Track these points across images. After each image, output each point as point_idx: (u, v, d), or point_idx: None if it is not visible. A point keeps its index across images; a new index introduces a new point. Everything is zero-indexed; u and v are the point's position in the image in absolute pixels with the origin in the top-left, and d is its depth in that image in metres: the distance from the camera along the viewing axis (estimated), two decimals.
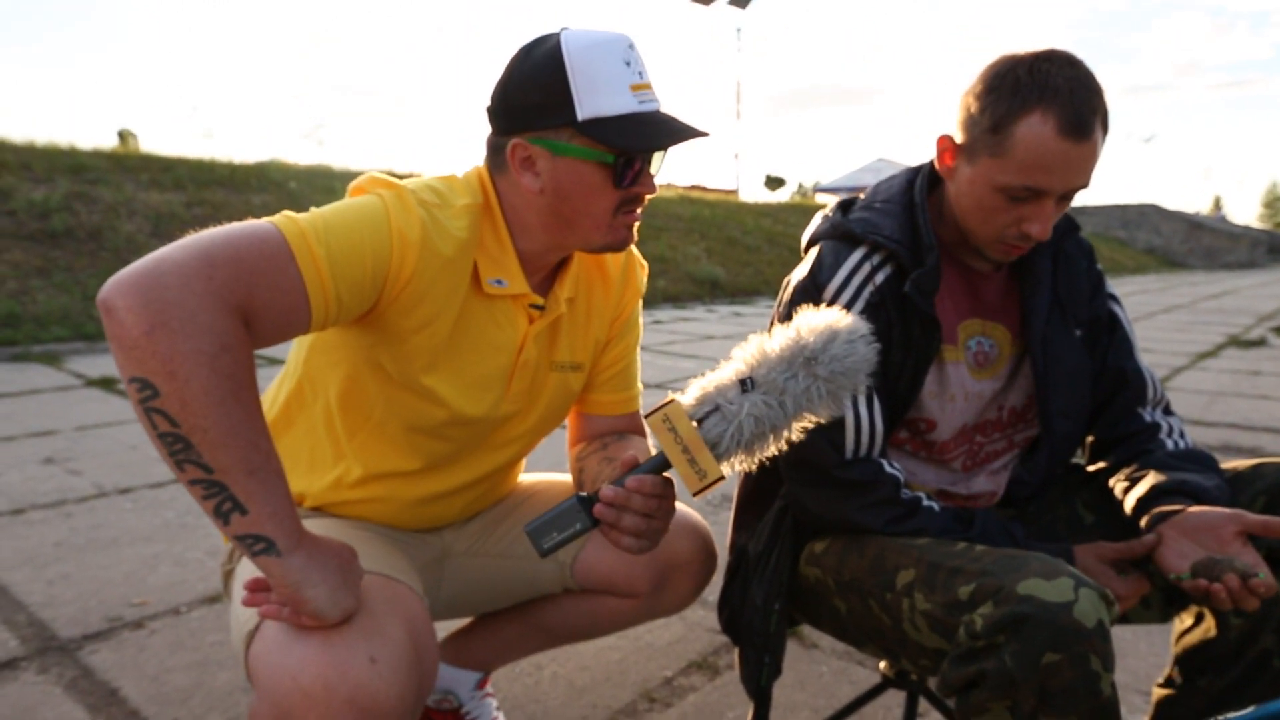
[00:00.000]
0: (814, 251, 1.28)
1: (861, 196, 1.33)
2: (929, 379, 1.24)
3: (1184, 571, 1.04)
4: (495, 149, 1.12)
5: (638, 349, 1.38)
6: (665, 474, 0.97)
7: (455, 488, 1.27)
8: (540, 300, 1.19)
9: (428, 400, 1.13)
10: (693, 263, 12.34)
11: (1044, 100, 1.05)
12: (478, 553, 1.36)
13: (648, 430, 0.97)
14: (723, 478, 0.89)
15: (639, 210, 1.13)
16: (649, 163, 1.10)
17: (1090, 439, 1.34)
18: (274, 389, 1.27)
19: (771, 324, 1.35)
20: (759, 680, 1.26)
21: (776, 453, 0.93)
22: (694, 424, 0.91)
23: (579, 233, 1.12)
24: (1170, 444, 1.23)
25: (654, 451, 0.98)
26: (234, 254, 0.87)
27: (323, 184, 10.37)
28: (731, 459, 0.91)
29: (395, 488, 1.23)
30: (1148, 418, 1.27)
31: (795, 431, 0.91)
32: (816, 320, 0.91)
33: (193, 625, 2.03)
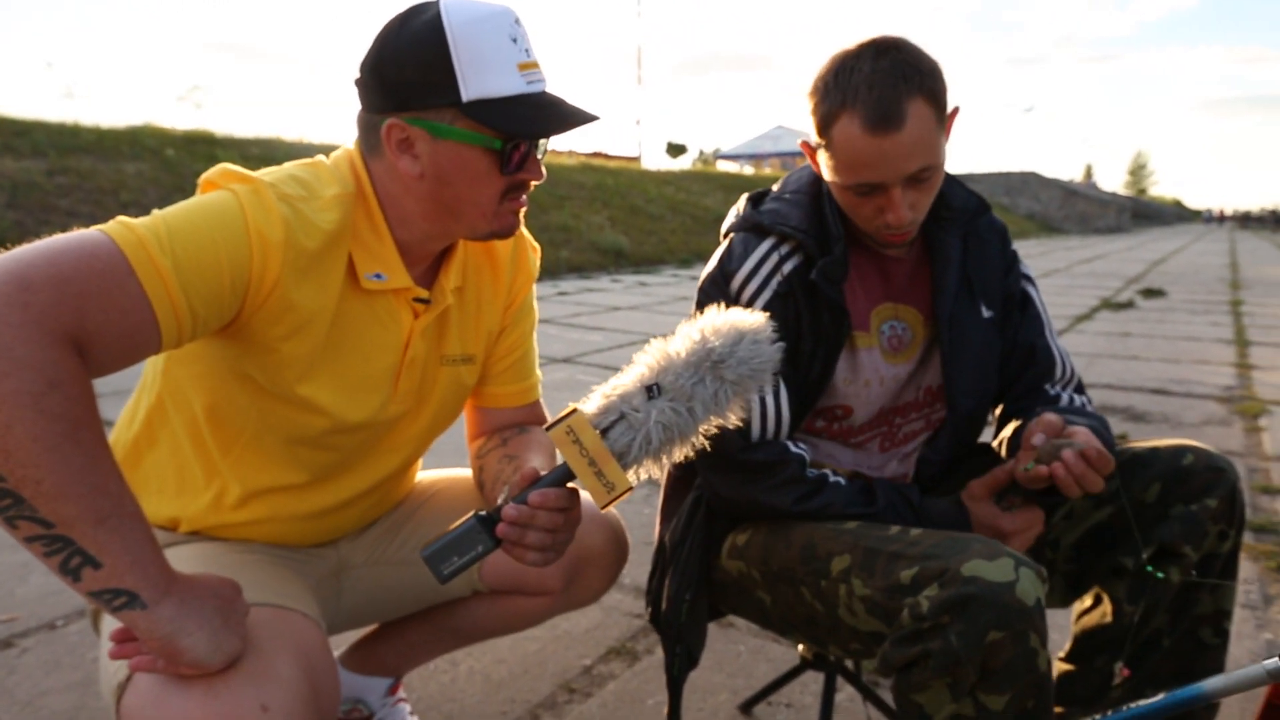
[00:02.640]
0: (725, 244, 1.28)
1: (775, 188, 1.32)
2: (841, 366, 1.25)
3: (1028, 463, 1.08)
4: (368, 128, 1.03)
5: (534, 336, 1.33)
6: (570, 485, 0.93)
7: (347, 499, 1.19)
8: (424, 293, 1.12)
9: (306, 410, 1.05)
10: (596, 232, 12.25)
11: (846, 101, 1.08)
12: (378, 561, 1.29)
13: (551, 441, 0.92)
14: (631, 488, 0.87)
15: (525, 196, 1.08)
16: (536, 147, 1.05)
17: (998, 412, 1.37)
18: (133, 403, 1.15)
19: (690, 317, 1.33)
20: (671, 670, 1.26)
21: (683, 459, 0.91)
22: (599, 434, 0.87)
23: (463, 220, 1.06)
24: (1065, 403, 1.27)
25: (558, 456, 0.94)
26: (56, 273, 0.76)
27: (203, 151, 9.75)
28: (639, 468, 0.89)
29: (280, 505, 1.14)
30: (1052, 392, 1.31)
31: (702, 436, 0.89)
32: (720, 321, 0.89)
33: (70, 641, 1.87)
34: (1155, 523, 1.19)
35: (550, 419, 0.91)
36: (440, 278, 1.14)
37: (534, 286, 1.30)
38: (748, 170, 32.43)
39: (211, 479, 1.11)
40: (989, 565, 0.93)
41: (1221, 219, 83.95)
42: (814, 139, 1.17)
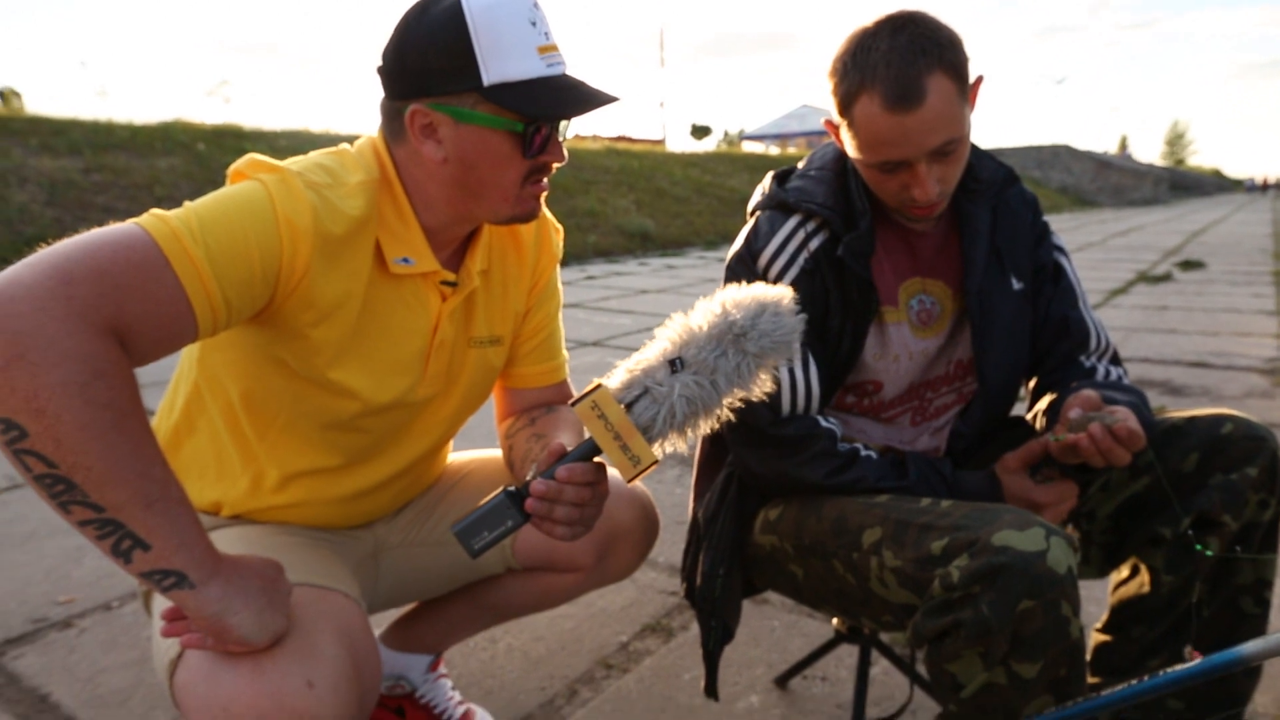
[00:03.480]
0: (752, 221, 1.29)
1: (800, 165, 1.32)
2: (871, 341, 1.25)
3: (1061, 434, 1.08)
4: (391, 115, 1.05)
5: (559, 316, 1.34)
6: (596, 459, 0.94)
7: (381, 480, 1.21)
8: (452, 276, 1.13)
9: (338, 394, 1.07)
10: (622, 215, 12.25)
11: (865, 80, 1.08)
12: (413, 543, 1.32)
13: (577, 418, 0.94)
14: (657, 462, 0.88)
15: (546, 180, 1.09)
16: (557, 130, 1.06)
17: (1032, 384, 1.37)
18: (171, 391, 1.19)
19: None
20: (707, 644, 1.27)
21: (709, 431, 0.92)
22: (623, 409, 0.88)
23: (486, 204, 1.07)
24: (1100, 378, 1.26)
25: (584, 433, 0.95)
26: (95, 266, 0.78)
27: (232, 145, 9.88)
28: (664, 441, 0.90)
29: (317, 488, 1.16)
30: (1087, 364, 1.30)
31: (726, 409, 0.90)
32: (741, 294, 0.90)
33: (125, 621, 1.94)
34: (1194, 492, 1.18)
35: (577, 395, 0.92)
36: (466, 261, 1.15)
37: (558, 267, 1.32)
38: (773, 150, 32.14)
39: (249, 463, 1.14)
40: (1020, 535, 0.93)
41: (1265, 187, 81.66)
42: (836, 118, 1.17)
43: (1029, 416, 1.36)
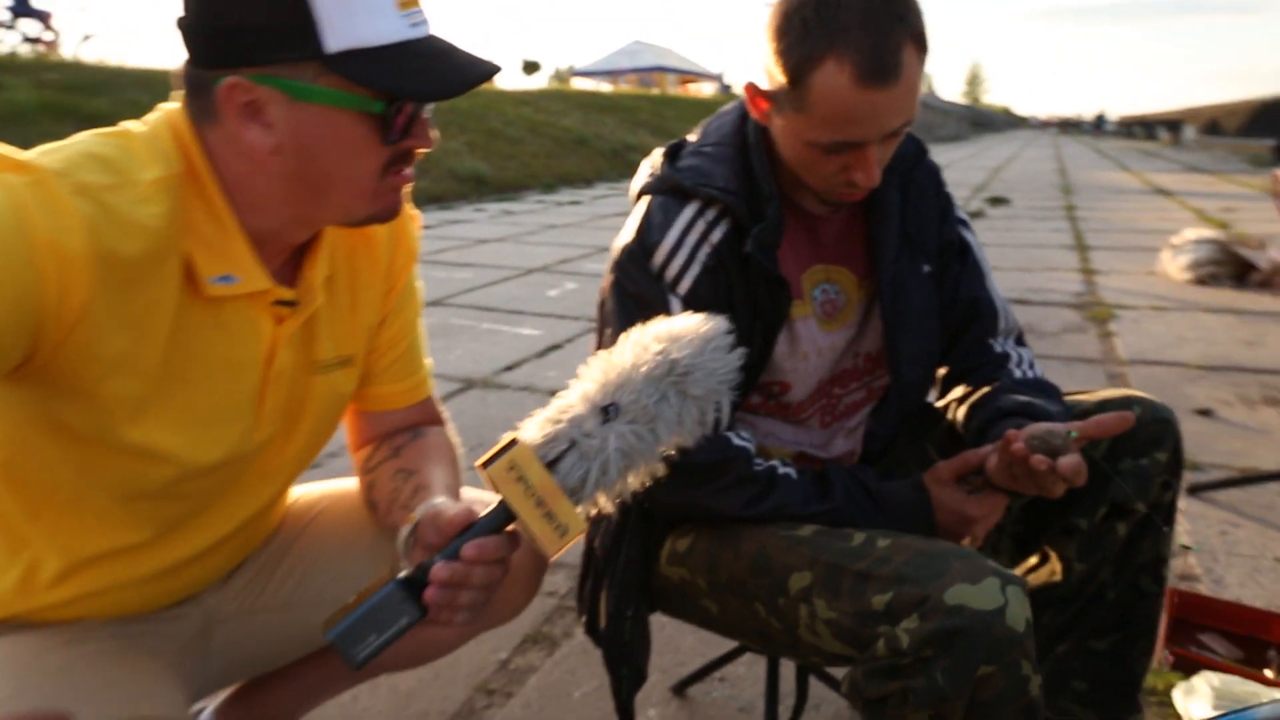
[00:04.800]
0: (640, 207, 1.11)
1: (691, 138, 1.15)
2: (779, 340, 1.12)
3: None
4: (199, 88, 0.78)
5: (420, 322, 1.12)
6: (509, 527, 0.77)
7: (206, 547, 0.97)
8: (288, 293, 0.89)
9: (142, 458, 0.82)
10: (454, 159, 11.64)
11: (835, 45, 0.92)
12: (254, 610, 1.07)
13: (488, 482, 0.76)
14: (584, 530, 0.74)
15: (410, 170, 0.87)
16: (424, 108, 0.84)
17: (942, 371, 1.29)
18: None
19: (604, 291, 1.16)
20: (620, 694, 1.13)
21: (640, 488, 0.77)
22: (546, 467, 0.72)
23: (334, 202, 0.84)
24: (1018, 373, 1.20)
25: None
26: None
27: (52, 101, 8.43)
28: (592, 504, 0.75)
29: (117, 571, 0.91)
30: (998, 348, 1.24)
31: (659, 461, 0.76)
32: (676, 328, 0.76)
33: None
34: (1106, 480, 1.15)
35: (486, 453, 0.74)
36: (305, 272, 0.91)
37: (415, 265, 1.09)
38: (605, 87, 31.67)
39: (18, 551, 0.86)
40: (973, 590, 0.84)
41: (1046, 125, 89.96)
42: (772, 84, 1.00)
43: (939, 404, 1.29)
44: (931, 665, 0.83)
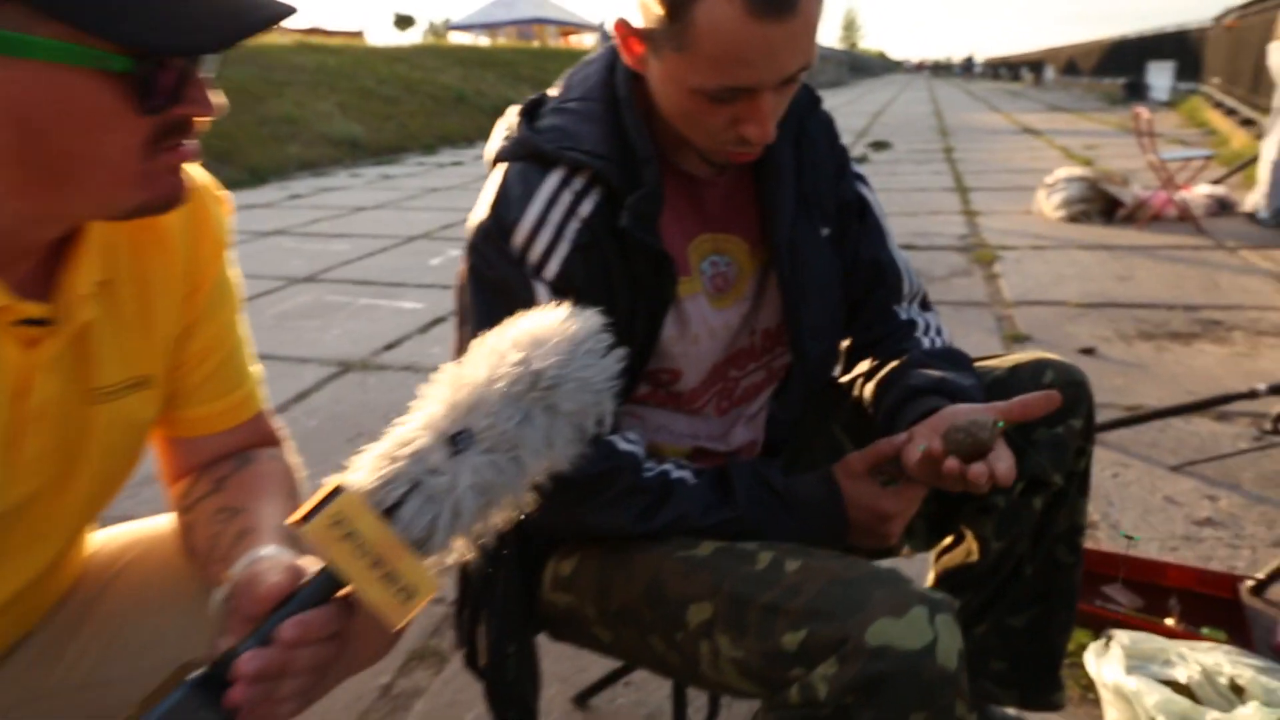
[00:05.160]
0: (496, 177, 0.94)
1: (553, 92, 0.98)
2: (667, 322, 0.98)
3: (922, 445, 0.91)
4: None
5: (238, 323, 0.92)
6: (340, 594, 0.61)
7: None
8: (38, 310, 0.69)
9: None
10: (326, 121, 10.95)
11: None
12: (42, 694, 0.87)
13: (309, 544, 0.59)
14: (436, 590, 0.59)
15: (192, 142, 0.68)
16: (198, 62, 0.64)
17: (846, 343, 1.19)
18: None
19: (460, 277, 0.99)
20: None
21: (505, 525, 0.62)
22: (382, 517, 0.57)
23: (84, 192, 0.64)
24: (926, 342, 1.11)
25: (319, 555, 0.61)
26: None
27: None
28: (446, 553, 0.60)
29: None
30: (903, 315, 1.14)
31: (529, 493, 0.62)
32: (537, 330, 0.61)
33: None
34: (1022, 455, 1.07)
35: (303, 504, 0.57)
36: (64, 279, 0.71)
37: (226, 256, 0.89)
38: (483, 41, 30.51)
39: None
40: (898, 626, 0.72)
41: (919, 68, 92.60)
42: (647, 20, 0.84)
43: (844, 380, 1.18)
44: (854, 715, 0.72)
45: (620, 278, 0.92)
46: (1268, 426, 2.03)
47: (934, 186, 7.02)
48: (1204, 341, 3.11)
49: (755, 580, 0.81)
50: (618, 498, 0.90)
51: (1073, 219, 5.32)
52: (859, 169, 1.14)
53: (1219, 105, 11.01)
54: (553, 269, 0.90)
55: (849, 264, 1.10)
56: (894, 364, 1.06)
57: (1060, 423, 1.07)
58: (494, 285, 0.93)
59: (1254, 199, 5.17)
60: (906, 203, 6.21)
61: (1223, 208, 5.32)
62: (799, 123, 1.03)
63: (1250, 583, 1.61)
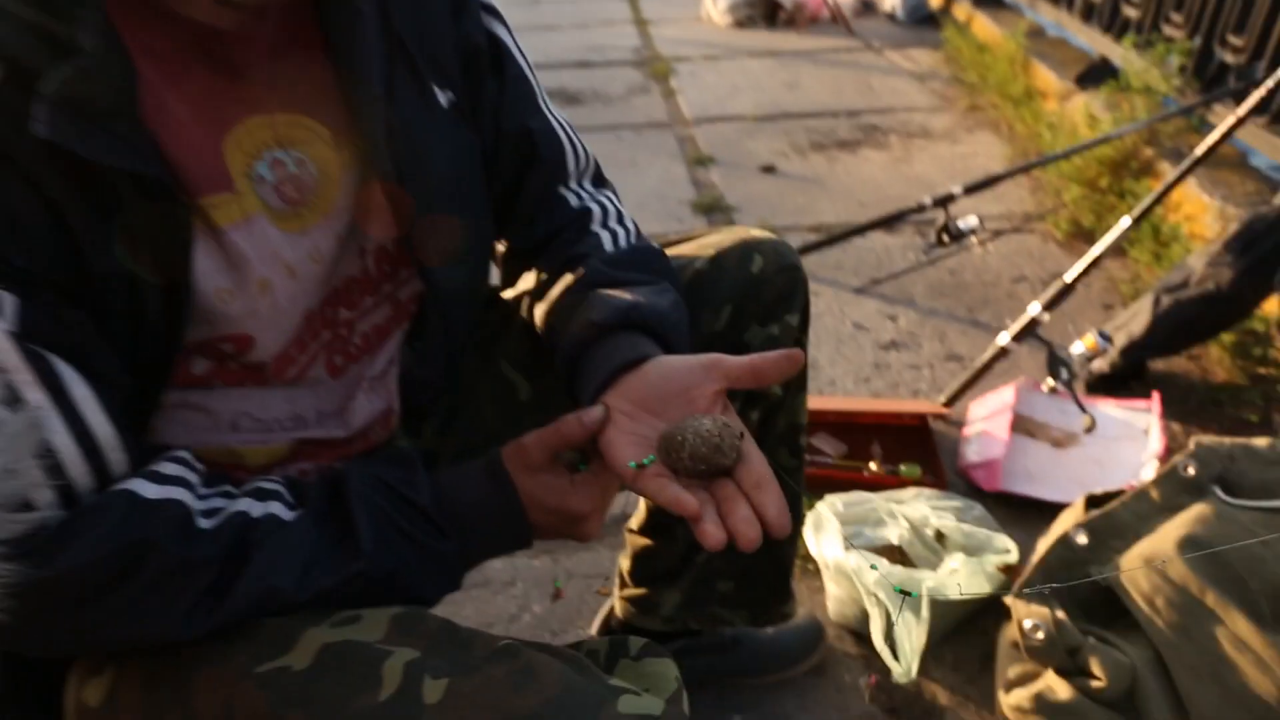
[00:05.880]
0: None
1: None
2: (202, 271, 0.61)
3: (643, 460, 0.67)
4: None
5: None
6: None
7: None
8: None
9: None
10: None
11: None
12: None
13: None
14: None
15: None
16: None
17: (501, 247, 0.88)
18: None
19: None
20: None
21: None
22: None
23: None
24: (608, 240, 0.83)
25: None
26: None
27: None
28: None
29: None
30: (574, 200, 0.85)
31: None
32: None
33: None
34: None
35: None
36: None
37: None
38: None
39: None
40: None
41: None
42: None
43: (509, 296, 0.88)
44: None
45: (84, 222, 0.53)
46: (933, 239, 2.09)
47: None
48: (867, 148, 3.20)
49: (373, 715, 0.52)
50: (153, 585, 0.55)
51: (739, 24, 5.26)
52: None
53: None
54: None
55: (488, 140, 0.77)
56: (568, 280, 0.78)
57: (774, 319, 0.88)
58: None
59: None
60: (576, 14, 5.77)
61: (866, 7, 5.56)
62: None
63: (934, 411, 1.64)
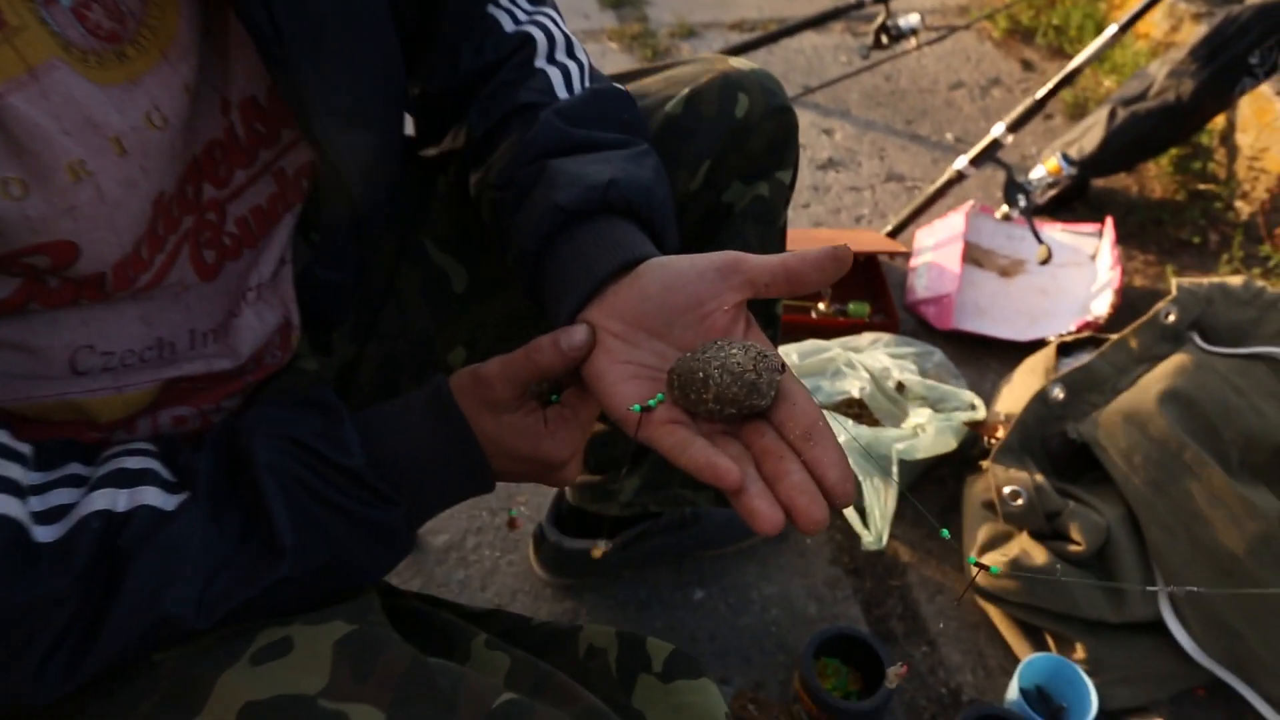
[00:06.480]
0: None
1: None
2: None
3: (649, 401, 0.49)
4: None
5: None
6: None
7: None
8: None
9: None
10: None
11: None
12: None
13: None
14: None
15: None
16: None
17: (417, 91, 0.66)
18: None
19: None
20: None
21: None
22: None
23: None
24: (559, 81, 0.62)
25: None
26: None
27: None
28: None
29: None
30: (508, 23, 0.63)
31: None
32: None
33: None
34: (717, 233, 0.72)
35: None
36: None
37: None
38: None
39: None
40: None
41: None
42: None
43: (432, 154, 0.68)
44: None
45: None
46: (871, 39, 1.89)
47: None
48: None
49: None
50: None
51: None
52: None
53: None
54: None
55: None
56: (514, 142, 0.58)
57: (763, 176, 0.72)
58: None
59: None
60: None
61: None
62: None
63: (888, 249, 1.53)
